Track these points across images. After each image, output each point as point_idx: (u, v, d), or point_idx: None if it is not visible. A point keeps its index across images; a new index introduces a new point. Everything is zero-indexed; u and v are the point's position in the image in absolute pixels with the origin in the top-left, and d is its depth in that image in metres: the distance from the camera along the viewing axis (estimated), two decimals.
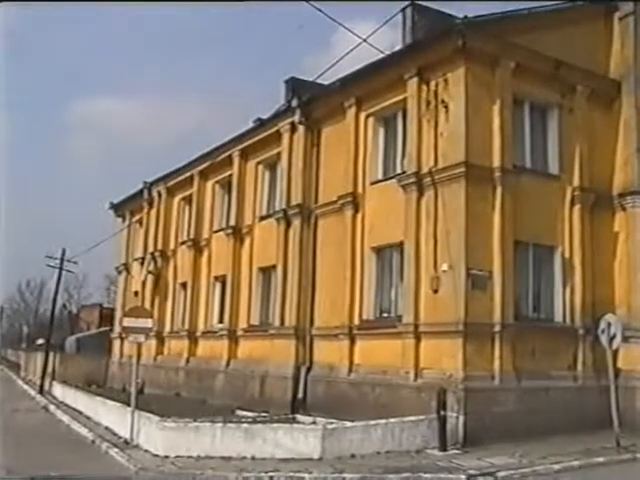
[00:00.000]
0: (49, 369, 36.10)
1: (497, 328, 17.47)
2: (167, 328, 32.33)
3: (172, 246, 33.21)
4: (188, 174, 31.57)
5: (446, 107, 18.29)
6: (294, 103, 23.83)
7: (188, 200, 32.33)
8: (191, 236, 30.88)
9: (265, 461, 14.67)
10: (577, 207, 19.70)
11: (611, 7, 21.49)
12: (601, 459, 15.15)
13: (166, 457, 15.16)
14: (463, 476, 13.51)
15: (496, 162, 18.07)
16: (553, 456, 15.05)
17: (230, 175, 28.36)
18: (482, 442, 16.10)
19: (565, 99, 20.16)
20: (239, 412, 21.73)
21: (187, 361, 29.61)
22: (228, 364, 26.34)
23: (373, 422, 15.93)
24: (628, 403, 18.73)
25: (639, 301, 19.77)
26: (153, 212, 35.15)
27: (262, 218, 26.28)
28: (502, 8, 18.83)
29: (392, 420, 16.03)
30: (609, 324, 17.41)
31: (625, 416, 17.79)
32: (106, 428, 19.92)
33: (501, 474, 13.69)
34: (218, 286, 28.97)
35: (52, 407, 27.46)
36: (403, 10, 22.62)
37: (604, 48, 21.41)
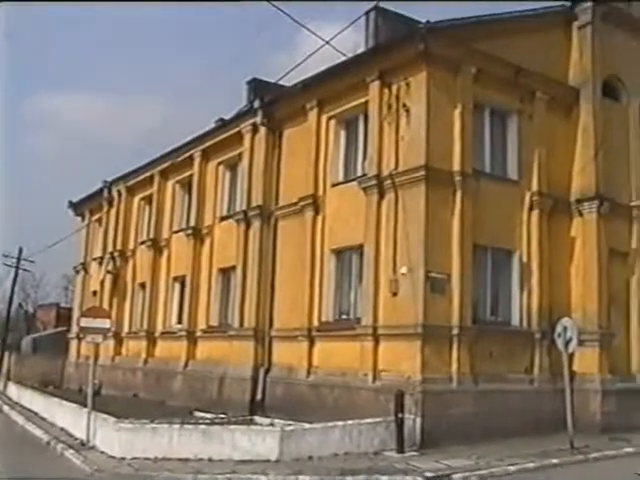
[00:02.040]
0: (4, 369, 35.59)
1: (455, 331, 17.59)
2: (125, 328, 32.04)
3: (131, 246, 32.93)
4: (148, 174, 31.35)
5: (407, 111, 18.39)
6: (256, 104, 23.78)
7: (148, 200, 32.10)
8: (151, 236, 30.66)
9: (222, 463, 14.61)
10: (535, 212, 19.91)
11: (570, 17, 21.78)
12: (555, 460, 15.36)
13: (122, 459, 15.01)
14: (419, 478, 13.58)
15: (456, 166, 18.20)
16: (509, 458, 15.21)
17: (191, 175, 28.22)
18: (439, 444, 16.20)
19: (525, 105, 20.38)
20: (197, 413, 21.56)
21: (145, 362, 29.38)
22: (186, 365, 26.21)
23: (331, 424, 15.95)
24: (582, 406, 19.02)
25: (594, 305, 20.03)
26: (113, 211, 34.82)
27: (222, 219, 26.18)
28: (468, 13, 18.99)
29: (350, 422, 16.06)
30: (565, 328, 17.64)
31: (579, 418, 18.09)
32: (62, 429, 19.67)
33: (457, 476, 13.79)
34: (177, 286, 28.81)
35: (6, 408, 27.13)
36: (367, 13, 22.69)
37: (563, 56, 21.70)
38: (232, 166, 26.34)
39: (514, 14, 20.08)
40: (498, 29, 19.74)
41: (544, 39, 21.15)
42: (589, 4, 21.43)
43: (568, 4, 21.76)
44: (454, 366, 17.55)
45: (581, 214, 20.71)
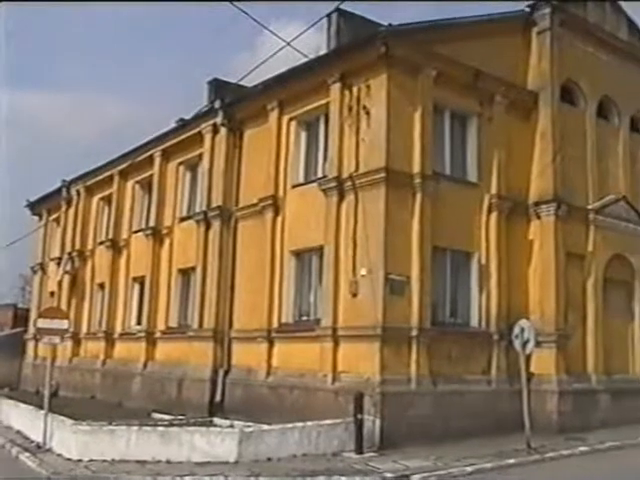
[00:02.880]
0: None
1: (414, 332, 17.66)
2: (84, 329, 31.72)
3: (90, 246, 32.59)
4: (108, 173, 31.06)
5: (368, 113, 18.43)
6: (217, 104, 23.69)
7: (107, 200, 31.81)
8: (110, 236, 30.38)
9: (181, 465, 14.52)
10: (494, 214, 20.06)
11: (529, 22, 22.04)
12: (512, 461, 15.50)
13: (79, 461, 14.82)
14: (378, 479, 13.67)
15: (416, 168, 18.28)
16: (467, 458, 15.32)
17: (151, 175, 28.03)
18: (398, 445, 16.27)
19: (484, 108, 20.55)
20: (156, 415, 21.44)
21: (104, 363, 29.10)
22: (145, 366, 26.02)
23: (290, 425, 15.93)
24: (539, 406, 19.28)
25: (552, 307, 20.30)
26: (71, 211, 34.41)
27: (182, 219, 26.04)
28: (430, 17, 19.06)
29: (309, 423, 16.08)
30: (522, 329, 17.83)
31: (536, 418, 18.34)
32: (17, 432, 19.37)
33: (416, 477, 13.84)
34: (136, 287, 28.59)
35: None
36: (329, 15, 22.71)
37: (523, 61, 21.95)
38: (192, 166, 26.22)
39: (474, 18, 20.24)
40: (458, 33, 19.86)
41: (504, 44, 21.37)
42: (547, 10, 21.72)
43: (527, 10, 21.99)
44: (413, 367, 17.62)
45: (539, 217, 20.95)
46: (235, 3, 13.73)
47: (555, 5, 21.74)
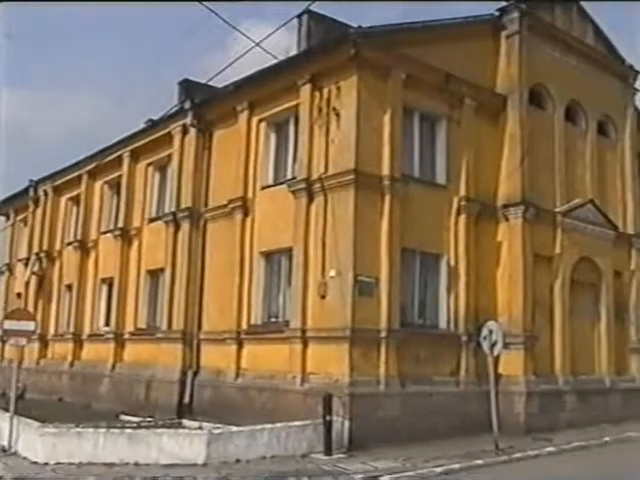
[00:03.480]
0: None
1: (383, 334, 17.69)
2: (51, 331, 31.44)
3: (58, 247, 32.32)
4: (76, 174, 30.84)
5: (337, 115, 18.44)
6: (187, 105, 23.62)
7: (76, 200, 31.57)
8: (78, 237, 30.18)
9: (149, 467, 14.45)
10: (463, 217, 20.15)
11: (499, 26, 22.18)
12: (480, 461, 15.55)
13: (46, 464, 14.66)
14: None
15: (385, 170, 18.31)
16: (435, 459, 15.38)
17: (120, 176, 27.86)
18: (367, 446, 16.30)
19: (454, 111, 20.64)
20: (124, 417, 21.34)
21: (71, 365, 28.87)
22: (114, 368, 25.86)
23: (259, 427, 15.91)
24: (507, 407, 19.40)
25: (519, 309, 20.43)
26: (39, 211, 34.06)
27: (151, 220, 25.92)
28: (401, 19, 19.10)
29: (278, 425, 16.06)
30: (491, 331, 17.92)
31: (504, 420, 18.46)
32: None
33: (384, 478, 13.86)
34: (105, 288, 28.40)
35: None
36: (299, 16, 22.68)
37: (492, 64, 22.06)
38: (162, 167, 26.11)
39: (444, 21, 20.33)
40: (428, 36, 19.94)
41: (473, 47, 21.50)
42: (516, 15, 21.87)
43: (497, 14, 22.15)
44: (382, 369, 17.65)
45: (507, 219, 21.08)
46: (205, 3, 13.68)
47: (524, 10, 21.89)
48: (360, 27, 17.82)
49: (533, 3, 22.46)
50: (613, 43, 25.63)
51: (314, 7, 20.25)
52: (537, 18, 22.57)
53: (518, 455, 16.44)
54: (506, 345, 18.67)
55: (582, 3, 24.79)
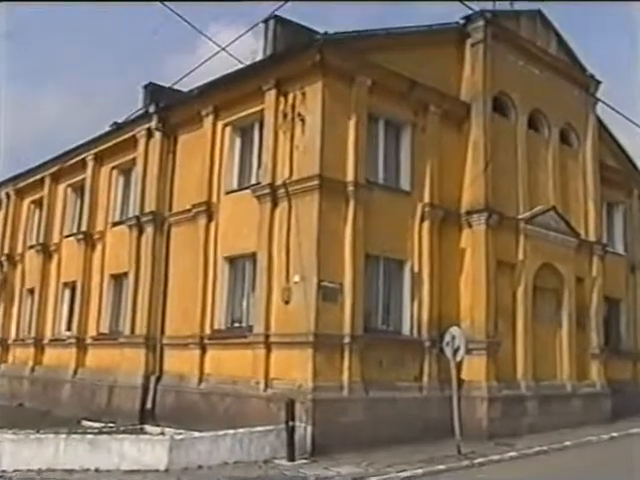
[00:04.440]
0: None
1: (347, 340, 17.70)
2: (12, 335, 31.12)
3: (20, 250, 32.00)
4: (39, 176, 30.57)
5: (302, 120, 18.44)
6: (151, 109, 23.52)
7: (38, 203, 31.26)
8: (41, 240, 29.87)
9: (110, 473, 14.28)
10: (426, 223, 20.25)
11: (464, 34, 22.36)
12: (442, 466, 15.61)
13: (4, 472, 14.37)
14: None
15: (350, 176, 18.34)
16: (398, 464, 15.39)
17: (83, 179, 27.62)
18: (330, 452, 16.28)
19: (418, 118, 20.75)
20: (85, 423, 21.13)
21: (32, 370, 28.53)
22: (76, 373, 25.59)
23: (222, 432, 15.83)
24: (469, 412, 19.53)
25: (482, 315, 20.57)
26: (0, 215, 33.76)
27: (115, 224, 25.72)
28: (369, 25, 19.14)
29: (241, 430, 16.00)
30: (453, 337, 18.07)
31: (466, 425, 18.60)
32: None
33: None
34: (67, 293, 28.10)
35: None
36: (266, 21, 22.68)
37: (456, 72, 22.22)
38: (126, 171, 25.94)
39: (410, 29, 20.46)
40: (394, 43, 20.04)
41: (438, 55, 21.66)
42: (481, 23, 22.04)
43: (462, 22, 22.32)
44: (345, 374, 17.64)
45: (470, 226, 21.22)
46: (171, 6, 13.60)
47: (488, 19, 22.09)
48: (326, 33, 17.87)
49: (498, 12, 22.67)
50: (575, 53, 26.02)
51: (281, 12, 20.28)
52: (501, 27, 22.79)
53: (480, 460, 16.53)
54: (469, 351, 18.87)
55: (546, 14, 25.12)
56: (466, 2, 13.24)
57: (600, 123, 27.35)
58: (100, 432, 17.74)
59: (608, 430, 21.74)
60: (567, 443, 19.22)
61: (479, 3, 22.06)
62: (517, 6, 23.80)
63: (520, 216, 22.34)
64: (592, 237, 25.59)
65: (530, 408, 21.38)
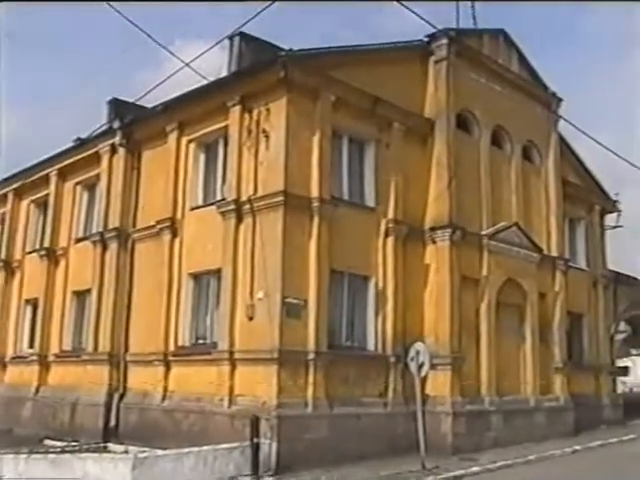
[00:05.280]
0: None
1: (311, 356, 17.67)
2: None
3: None
4: (1, 192, 30.24)
5: (267, 136, 18.47)
6: (115, 124, 23.41)
7: (0, 219, 30.85)
8: (2, 257, 29.49)
9: None
10: (391, 239, 20.32)
11: (427, 52, 22.56)
12: None
13: None
14: None
15: (314, 192, 18.38)
16: None
17: (47, 195, 27.38)
18: (294, 468, 16.25)
19: (382, 134, 20.87)
20: (48, 442, 20.91)
21: None
22: (38, 391, 25.25)
23: (186, 450, 15.72)
24: (434, 427, 19.55)
25: (447, 330, 20.64)
26: None
27: (78, 240, 25.51)
28: (333, 42, 19.23)
29: (205, 448, 15.90)
30: (418, 352, 18.16)
31: (431, 440, 18.65)
32: None
33: None
34: (29, 309, 27.77)
35: None
36: (231, 37, 22.71)
37: (420, 88, 22.38)
38: (90, 187, 25.78)
39: (374, 46, 20.64)
40: (358, 59, 20.20)
41: (402, 72, 21.80)
42: (445, 41, 22.23)
43: (426, 40, 22.52)
44: (310, 391, 17.60)
45: (434, 242, 21.32)
46: (135, 21, 13.63)
47: (452, 37, 22.28)
48: (290, 50, 17.92)
49: (461, 31, 22.90)
50: (537, 71, 26.37)
51: (246, 28, 20.32)
52: (465, 45, 23.05)
53: (444, 475, 16.57)
54: (433, 366, 19.00)
55: (509, 33, 25.46)
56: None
57: (562, 139, 27.72)
58: (63, 451, 17.59)
59: (571, 443, 21.91)
60: (531, 457, 19.30)
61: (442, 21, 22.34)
62: (480, 25, 24.09)
63: (483, 232, 22.50)
64: (554, 252, 25.86)
65: (494, 423, 21.46)
